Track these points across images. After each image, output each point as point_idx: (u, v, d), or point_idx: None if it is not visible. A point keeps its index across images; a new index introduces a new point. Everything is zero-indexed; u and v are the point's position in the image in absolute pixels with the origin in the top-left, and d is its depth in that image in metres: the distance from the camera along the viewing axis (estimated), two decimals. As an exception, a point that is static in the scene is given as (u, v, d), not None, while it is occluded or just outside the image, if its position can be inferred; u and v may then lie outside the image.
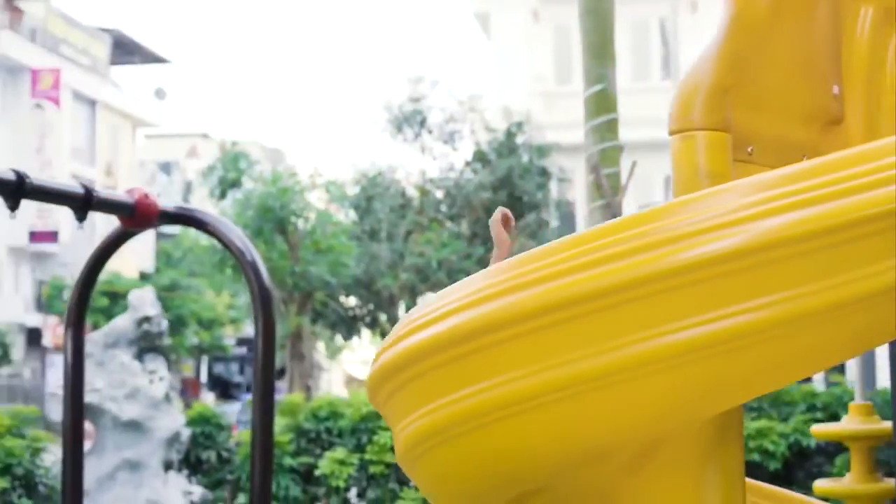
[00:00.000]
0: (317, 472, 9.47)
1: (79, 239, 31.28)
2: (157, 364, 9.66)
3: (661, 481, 2.77)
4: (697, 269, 1.98)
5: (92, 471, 9.23)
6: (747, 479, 3.29)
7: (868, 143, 2.16)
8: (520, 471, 2.39)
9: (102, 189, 5.85)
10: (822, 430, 4.69)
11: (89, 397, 9.16)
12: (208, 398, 36.10)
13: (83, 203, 5.74)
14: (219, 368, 43.31)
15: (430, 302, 2.30)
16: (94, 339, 9.56)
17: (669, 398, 2.17)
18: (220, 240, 4.42)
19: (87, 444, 9.56)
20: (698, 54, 2.51)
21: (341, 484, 9.40)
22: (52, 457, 9.12)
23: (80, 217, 5.90)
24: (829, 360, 2.25)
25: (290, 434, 9.70)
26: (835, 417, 9.56)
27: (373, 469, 9.53)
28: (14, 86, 36.63)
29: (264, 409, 4.79)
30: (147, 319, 9.49)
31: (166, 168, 48.34)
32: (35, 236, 35.71)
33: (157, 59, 46.61)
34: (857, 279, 1.97)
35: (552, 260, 2.09)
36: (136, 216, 6.36)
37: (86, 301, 6.72)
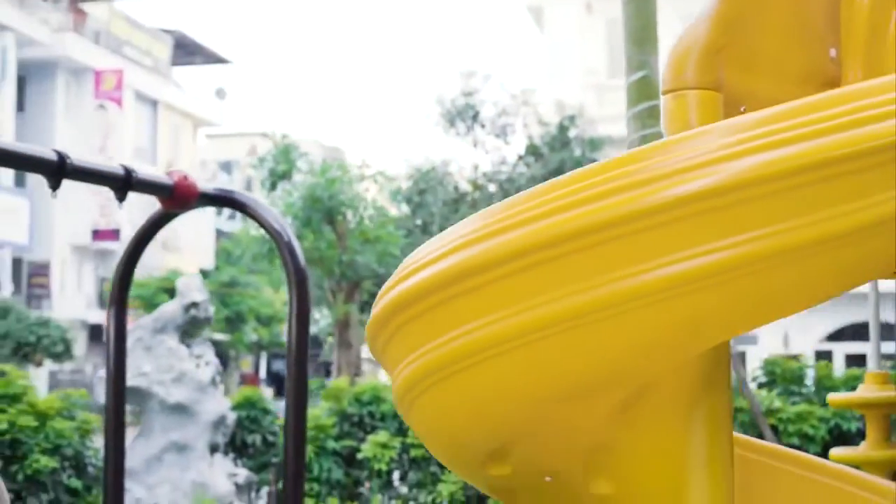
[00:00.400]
0: (359, 456, 9.62)
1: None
2: (204, 349, 9.87)
3: (648, 429, 2.84)
4: (678, 207, 2.05)
5: (139, 453, 9.47)
6: (735, 434, 3.36)
7: (842, 87, 2.24)
8: (511, 409, 2.48)
9: (142, 171, 6.06)
10: (837, 398, 4.73)
11: (137, 381, 9.40)
12: (267, 394, 36.48)
13: (123, 184, 5.95)
14: (277, 365, 43.77)
15: (426, 245, 2.41)
16: (142, 325, 9.80)
17: (654, 333, 2.24)
18: (257, 221, 4.61)
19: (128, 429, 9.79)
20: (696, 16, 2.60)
21: (383, 467, 9.54)
22: (101, 439, 9.35)
23: (121, 197, 6.09)
24: (813, 297, 2.32)
25: (334, 418, 9.86)
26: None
27: (414, 452, 9.66)
28: (78, 87, 37.31)
29: (298, 390, 4.95)
30: (194, 305, 9.69)
31: (227, 167, 48.94)
32: (97, 234, 36.34)
33: (217, 60, 47.19)
34: (834, 216, 2.03)
35: (539, 201, 2.18)
36: (176, 197, 6.56)
37: (128, 281, 6.93)
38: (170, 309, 9.81)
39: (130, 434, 9.97)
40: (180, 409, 9.52)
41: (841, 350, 23.07)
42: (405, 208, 23.49)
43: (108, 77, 37.56)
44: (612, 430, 2.83)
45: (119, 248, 36.31)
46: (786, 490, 3.27)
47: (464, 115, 22.90)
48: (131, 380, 9.41)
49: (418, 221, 22.73)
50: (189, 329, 9.73)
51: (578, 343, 2.22)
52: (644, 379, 2.50)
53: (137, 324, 9.81)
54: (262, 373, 43.32)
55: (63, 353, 29.44)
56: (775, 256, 2.05)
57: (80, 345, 33.73)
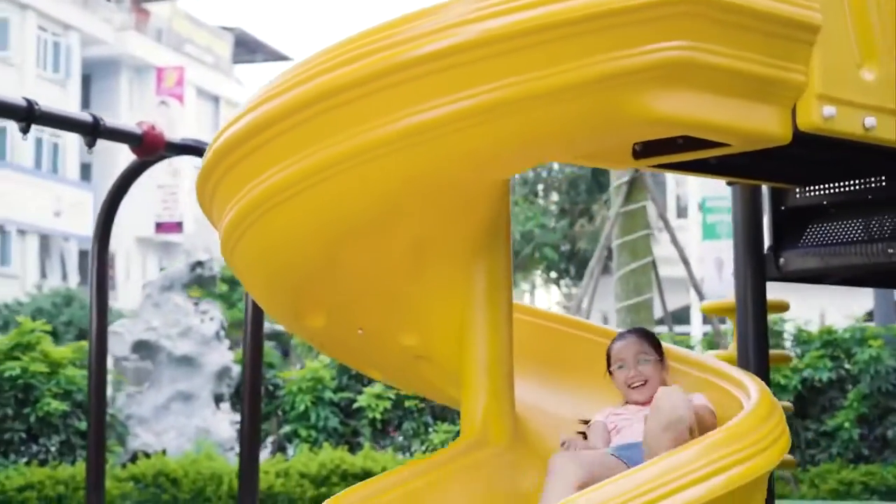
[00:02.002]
0: (355, 406, 10.18)
1: (202, 228, 32.66)
2: (210, 305, 10.51)
3: (436, 284, 3.36)
4: (433, 61, 2.53)
5: (149, 402, 10.14)
6: (522, 304, 3.84)
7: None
8: (305, 248, 2.98)
9: (110, 121, 6.65)
10: (708, 305, 5.15)
11: (147, 335, 10.05)
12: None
13: (91, 129, 6.55)
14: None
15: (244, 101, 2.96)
16: (152, 283, 10.47)
17: (414, 170, 2.72)
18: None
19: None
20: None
21: (378, 416, 10.09)
22: (111, 389, 10.03)
23: (90, 143, 6.70)
24: (560, 144, 2.83)
25: (333, 371, 10.42)
26: (849, 354, 9.86)
27: (408, 403, 10.20)
28: (140, 84, 38.39)
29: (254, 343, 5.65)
30: (200, 264, 10.34)
31: (289, 162, 49.79)
32: (160, 227, 37.38)
33: (279, 57, 48.08)
34: (566, 70, 2.50)
35: (318, 61, 2.68)
36: (145, 145, 7.17)
37: (110, 222, 7.53)
38: (176, 268, 10.47)
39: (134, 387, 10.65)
40: (186, 361, 10.17)
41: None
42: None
43: (169, 74, 38.57)
44: (406, 284, 3.35)
45: (182, 239, 37.32)
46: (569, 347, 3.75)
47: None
48: (141, 334, 10.08)
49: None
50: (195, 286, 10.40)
51: (353, 183, 2.73)
52: (411, 217, 2.97)
53: (147, 282, 10.49)
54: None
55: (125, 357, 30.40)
56: (519, 102, 2.54)
57: (142, 333, 34.68)
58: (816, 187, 4.17)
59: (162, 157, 7.65)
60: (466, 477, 3.15)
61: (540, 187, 23.28)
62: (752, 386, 3.06)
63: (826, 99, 2.90)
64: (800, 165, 3.89)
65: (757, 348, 4.36)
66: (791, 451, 9.19)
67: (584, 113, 2.60)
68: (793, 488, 9.35)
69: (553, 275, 23.99)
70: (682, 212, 26.88)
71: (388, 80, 2.57)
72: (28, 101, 6.15)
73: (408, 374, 3.68)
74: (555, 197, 23.22)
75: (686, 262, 10.16)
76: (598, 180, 20.97)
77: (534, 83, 2.52)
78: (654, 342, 3.29)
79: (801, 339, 10.27)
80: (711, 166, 3.56)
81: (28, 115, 6.05)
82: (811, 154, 3.55)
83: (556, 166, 22.49)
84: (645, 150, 3.28)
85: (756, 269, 4.32)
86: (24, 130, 6.16)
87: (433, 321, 3.41)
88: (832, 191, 4.13)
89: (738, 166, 3.68)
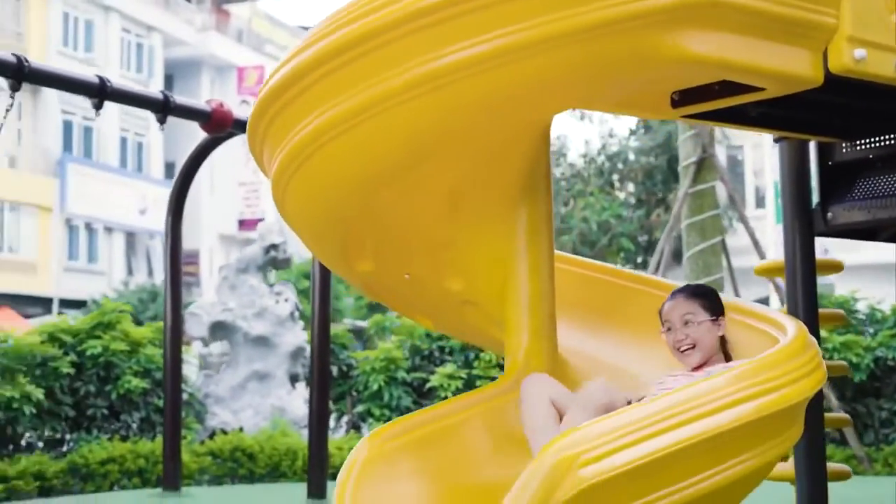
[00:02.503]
0: (428, 386, 10.33)
1: (284, 226, 33.04)
2: (284, 286, 10.74)
3: (479, 230, 3.48)
4: (462, 3, 2.59)
5: (226, 381, 10.40)
6: (565, 254, 3.94)
7: None
8: (349, 189, 3.10)
9: (180, 98, 6.89)
10: (760, 266, 5.18)
11: (223, 316, 10.31)
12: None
13: (162, 107, 6.84)
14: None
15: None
16: (228, 266, 10.74)
17: (438, 114, 2.83)
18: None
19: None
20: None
21: (450, 395, 10.22)
22: (189, 367, 10.32)
23: (161, 119, 6.97)
24: (592, 86, 2.90)
25: (405, 352, 10.60)
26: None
27: (479, 383, 10.32)
28: (222, 83, 39.00)
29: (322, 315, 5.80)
30: (274, 247, 10.58)
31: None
32: (243, 224, 37.97)
33: (358, 56, 48.46)
34: (599, 8, 2.54)
35: (350, 8, 2.80)
36: (213, 122, 7.46)
37: (183, 198, 7.80)
38: (251, 251, 10.72)
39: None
40: (262, 342, 10.41)
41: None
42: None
43: (250, 73, 39.15)
44: (448, 229, 3.47)
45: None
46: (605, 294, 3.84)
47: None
48: (219, 315, 10.34)
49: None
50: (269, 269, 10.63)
51: (383, 127, 2.86)
52: (444, 162, 3.08)
53: (224, 265, 10.76)
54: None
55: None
56: (546, 42, 2.64)
57: (225, 327, 35.25)
58: (862, 142, 4.22)
59: (231, 135, 7.95)
60: (505, 414, 3.27)
61: (615, 178, 23.29)
62: (791, 325, 3.13)
63: (856, 41, 2.98)
64: (844, 118, 3.95)
65: (806, 305, 4.40)
66: (864, 431, 9.13)
67: (617, 53, 2.68)
68: (866, 467, 9.30)
69: (629, 265, 24.00)
70: (760, 202, 26.66)
71: (415, 25, 2.68)
72: (100, 77, 6.47)
73: (455, 319, 3.81)
74: (631, 188, 23.20)
75: (761, 255, 10.12)
76: (674, 169, 20.90)
77: (566, 21, 2.59)
78: (707, 301, 3.17)
79: (875, 318, 10.20)
80: (752, 119, 3.63)
81: (101, 92, 6.35)
82: (852, 104, 3.61)
83: (631, 156, 22.50)
84: (683, 99, 3.37)
85: (804, 225, 4.37)
86: (97, 107, 6.45)
87: (477, 266, 3.53)
88: (878, 144, 4.17)
89: (780, 119, 3.75)
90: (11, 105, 5.64)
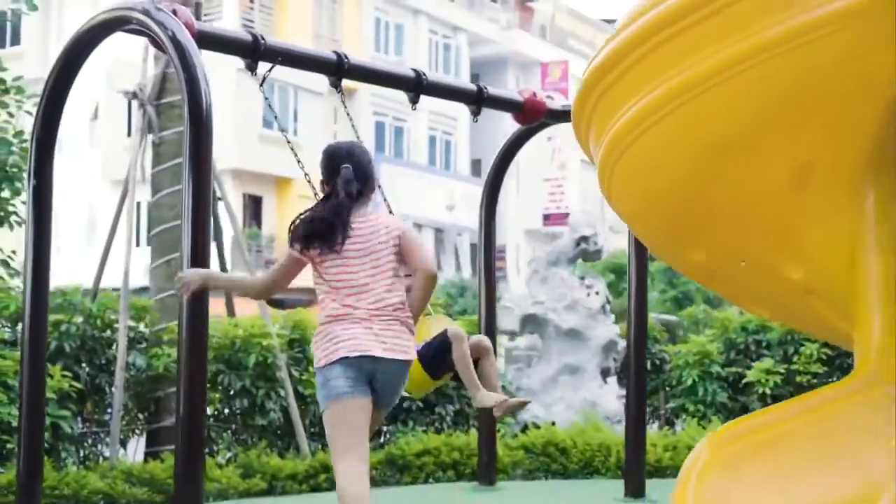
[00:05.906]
0: (744, 381, 9.91)
1: (587, 214, 33.02)
2: (594, 279, 10.59)
3: (823, 210, 3.20)
4: None
5: (538, 375, 10.36)
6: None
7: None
8: (687, 158, 2.94)
9: (492, 89, 6.89)
10: None
11: (534, 309, 10.28)
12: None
13: (476, 99, 6.84)
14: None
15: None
16: (538, 259, 10.71)
17: (792, 77, 2.65)
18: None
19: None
20: None
21: (768, 391, 9.77)
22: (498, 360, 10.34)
23: (475, 112, 6.97)
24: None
25: (720, 346, 10.21)
26: None
27: (799, 379, 9.81)
28: (526, 80, 39.35)
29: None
30: (584, 239, 10.45)
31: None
32: (548, 219, 38.21)
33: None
34: None
35: None
36: (525, 112, 7.40)
37: (496, 190, 7.78)
38: (562, 243, 10.63)
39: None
40: (573, 335, 10.30)
41: None
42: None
43: (553, 68, 39.37)
44: (790, 211, 3.21)
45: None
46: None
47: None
48: (530, 308, 10.33)
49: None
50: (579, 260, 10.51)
51: (728, 96, 2.69)
52: (791, 134, 2.86)
53: (533, 258, 10.73)
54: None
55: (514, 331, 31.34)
56: None
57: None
58: None
59: (544, 125, 7.85)
60: (853, 415, 2.96)
61: None
62: None
63: None
64: None
65: None
66: None
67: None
68: None
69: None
70: None
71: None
72: (416, 71, 6.53)
73: (796, 310, 3.54)
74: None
75: None
76: None
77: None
78: None
79: None
80: None
81: (417, 86, 6.42)
82: None
83: None
84: None
85: None
86: (414, 101, 6.52)
87: (819, 251, 3.24)
88: None
89: None
90: (343, 96, 5.88)
